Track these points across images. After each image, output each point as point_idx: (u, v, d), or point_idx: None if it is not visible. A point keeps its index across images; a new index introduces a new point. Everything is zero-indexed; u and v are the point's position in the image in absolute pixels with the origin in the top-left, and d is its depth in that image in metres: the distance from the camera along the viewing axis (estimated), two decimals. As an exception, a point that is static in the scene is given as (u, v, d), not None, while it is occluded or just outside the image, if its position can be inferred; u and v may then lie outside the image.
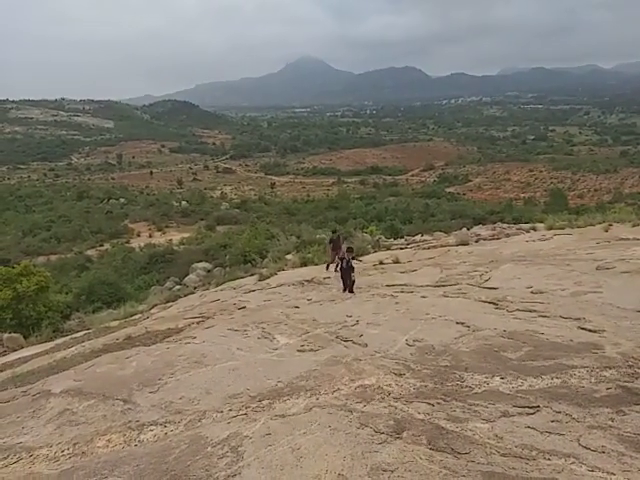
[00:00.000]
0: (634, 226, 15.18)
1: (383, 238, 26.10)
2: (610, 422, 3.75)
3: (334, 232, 15.29)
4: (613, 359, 5.08)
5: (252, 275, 16.02)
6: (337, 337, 7.24)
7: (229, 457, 3.69)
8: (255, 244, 24.21)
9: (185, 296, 15.84)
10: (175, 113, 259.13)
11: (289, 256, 19.70)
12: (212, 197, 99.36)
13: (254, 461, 3.57)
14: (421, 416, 4.09)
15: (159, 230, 65.06)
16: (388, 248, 19.70)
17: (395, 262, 14.55)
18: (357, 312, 8.49)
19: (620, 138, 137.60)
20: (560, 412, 3.97)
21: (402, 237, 28.94)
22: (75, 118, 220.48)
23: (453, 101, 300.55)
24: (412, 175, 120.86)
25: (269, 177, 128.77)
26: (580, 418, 3.84)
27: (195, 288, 18.50)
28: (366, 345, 6.55)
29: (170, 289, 20.52)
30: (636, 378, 4.58)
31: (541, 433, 3.64)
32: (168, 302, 15.25)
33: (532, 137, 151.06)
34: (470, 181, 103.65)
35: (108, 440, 4.55)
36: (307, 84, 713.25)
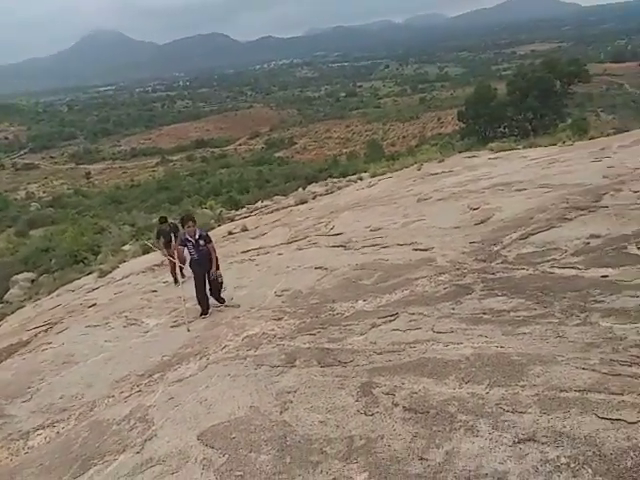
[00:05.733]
0: (440, 162, 17.62)
1: (224, 211, 26.10)
2: (452, 311, 4.72)
3: (163, 220, 10.31)
4: (444, 267, 6.21)
5: (90, 274, 14.92)
6: (208, 306, 7.41)
7: (139, 427, 3.79)
8: (83, 241, 22.22)
9: (13, 313, 14.18)
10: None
11: (127, 247, 18.69)
12: (16, 199, 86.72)
13: (166, 422, 3.74)
14: (307, 345, 4.63)
15: (-44, 247, 55.27)
16: (232, 219, 19.89)
17: (244, 230, 14.86)
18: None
19: (417, 87, 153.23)
20: (414, 313, 4.84)
21: (243, 207, 29.20)
22: None
23: (266, 65, 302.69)
24: (239, 144, 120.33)
25: (82, 167, 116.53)
26: (430, 313, 4.75)
27: (23, 302, 16.56)
28: (239, 306, 6.86)
29: (-11, 310, 17.97)
30: (464, 277, 5.71)
31: (404, 331, 4.44)
32: (-7, 323, 13.47)
33: (344, 94, 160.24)
34: (296, 143, 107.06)
35: (-10, 459, 4.22)
36: (106, 59, 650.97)
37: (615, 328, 3.61)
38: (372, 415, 3.17)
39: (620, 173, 8.61)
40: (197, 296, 6.81)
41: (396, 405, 3.19)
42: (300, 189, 26.26)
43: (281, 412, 3.47)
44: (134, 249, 16.59)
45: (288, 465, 2.89)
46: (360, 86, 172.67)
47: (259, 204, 24.21)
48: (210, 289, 6.85)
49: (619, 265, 4.93)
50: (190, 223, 6.68)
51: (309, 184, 29.81)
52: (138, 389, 4.63)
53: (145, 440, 3.56)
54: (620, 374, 2.86)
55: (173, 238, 9.03)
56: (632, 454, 2.21)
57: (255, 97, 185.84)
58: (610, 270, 4.88)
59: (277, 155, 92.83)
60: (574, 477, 2.19)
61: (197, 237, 6.66)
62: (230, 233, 14.67)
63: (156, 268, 12.17)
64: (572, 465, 2.25)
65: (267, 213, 18.65)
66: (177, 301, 8.26)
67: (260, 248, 10.99)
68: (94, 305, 9.95)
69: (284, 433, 3.21)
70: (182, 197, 48.93)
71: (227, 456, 3.10)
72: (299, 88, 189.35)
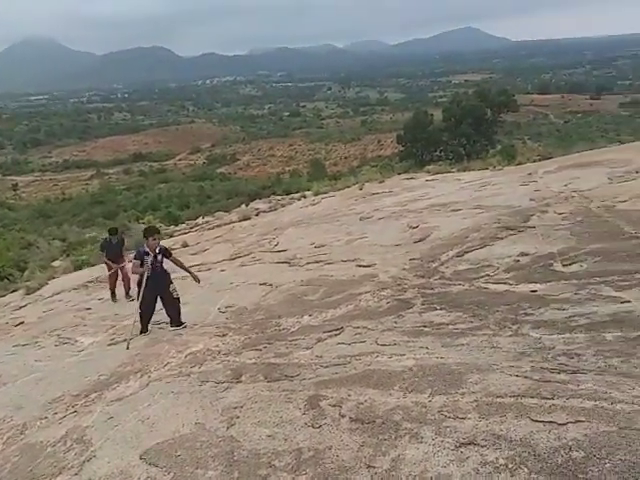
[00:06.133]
0: (380, 182, 18.19)
1: (163, 226, 25.52)
2: (394, 324, 4.87)
3: (114, 232, 9.54)
4: (386, 282, 6.41)
5: (15, 291, 14.05)
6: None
7: (76, 448, 3.61)
8: (9, 257, 20.87)
9: None
10: None
11: (57, 262, 17.78)
12: None
13: (105, 442, 3.58)
14: (253, 360, 4.61)
15: None
16: (171, 235, 19.53)
17: (184, 246, 14.59)
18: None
19: (359, 109, 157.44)
20: (359, 327, 4.96)
21: (183, 222, 28.62)
22: None
23: (208, 81, 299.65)
24: (180, 159, 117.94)
25: (9, 178, 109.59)
26: (373, 327, 4.88)
27: (-61, 322, 15.24)
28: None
29: None
30: (405, 292, 5.91)
31: (349, 345, 4.53)
32: None
33: (287, 114, 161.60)
34: (238, 160, 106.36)
35: None
36: (40, 67, 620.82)
37: (544, 338, 3.88)
38: (320, 427, 3.21)
39: (545, 196, 9.27)
40: (142, 314, 6.37)
41: (343, 416, 3.25)
42: (243, 205, 26.13)
43: (228, 428, 3.44)
44: (65, 265, 15.80)
45: (236, 480, 2.87)
46: (303, 106, 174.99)
47: (200, 220, 23.83)
48: (167, 310, 6.39)
49: (546, 281, 5.30)
50: (156, 235, 6.31)
51: (252, 201, 29.69)
52: (74, 410, 4.41)
53: (83, 461, 3.39)
54: (550, 380, 3.08)
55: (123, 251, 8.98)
56: (562, 452, 2.40)
57: (197, 112, 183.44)
58: (538, 285, 5.23)
59: (219, 171, 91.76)
60: (512, 477, 2.34)
61: (157, 251, 6.26)
62: (169, 249, 14.35)
63: (89, 285, 11.67)
64: (510, 465, 2.40)
65: (208, 229, 18.41)
66: (114, 318, 7.97)
67: (202, 264, 10.83)
68: (22, 323, 9.39)
69: (231, 448, 3.18)
70: (118, 212, 47.16)
71: (172, 474, 3.02)
72: (242, 105, 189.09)
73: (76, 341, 7.14)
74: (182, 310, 7.07)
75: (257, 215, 18.99)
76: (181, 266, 6.64)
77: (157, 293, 6.27)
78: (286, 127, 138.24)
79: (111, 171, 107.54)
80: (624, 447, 2.33)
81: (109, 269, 9.31)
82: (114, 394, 4.52)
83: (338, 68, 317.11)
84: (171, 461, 3.14)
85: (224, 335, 5.58)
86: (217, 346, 5.24)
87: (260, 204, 24.24)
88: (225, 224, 18.44)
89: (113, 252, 9.16)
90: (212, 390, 4.10)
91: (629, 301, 4.28)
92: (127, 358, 5.53)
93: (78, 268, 14.89)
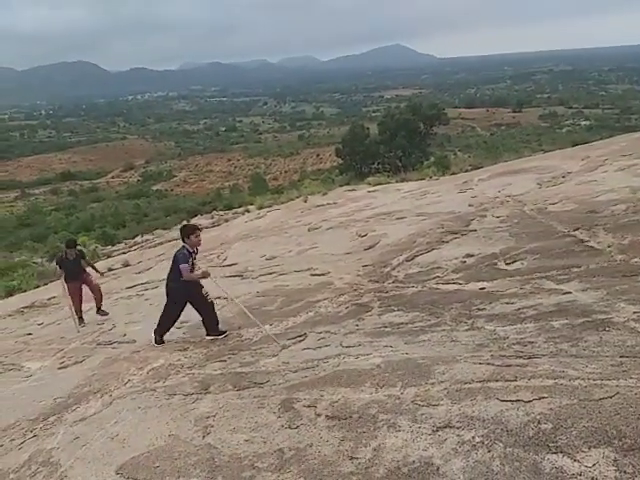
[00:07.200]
0: (323, 195, 18.50)
1: (99, 247, 24.66)
2: (356, 327, 5.03)
3: (72, 244, 8.42)
4: (342, 288, 6.58)
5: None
6: (99, 344, 6.95)
7: (44, 471, 3.46)
8: None
9: None
10: None
11: (-16, 290, 16.66)
12: None
13: (76, 462, 3.46)
14: (219, 371, 4.60)
15: None
16: (109, 256, 18.91)
17: (125, 265, 14.21)
18: (108, 318, 8.20)
19: (295, 124, 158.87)
20: (322, 332, 5.07)
21: (120, 242, 27.68)
22: None
23: (140, 97, 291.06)
24: (112, 177, 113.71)
25: None
26: (336, 331, 5.01)
27: None
28: (135, 341, 6.56)
29: None
30: (361, 296, 6.11)
31: (314, 349, 4.63)
32: None
33: (223, 128, 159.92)
34: (175, 176, 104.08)
35: None
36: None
37: (498, 330, 4.17)
38: (297, 427, 3.28)
39: (482, 202, 9.85)
40: (211, 321, 5.71)
41: (319, 415, 3.34)
42: (184, 222, 25.64)
43: (204, 436, 3.43)
44: (-6, 293, 14.86)
45: (221, 484, 2.88)
46: (240, 121, 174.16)
47: (139, 239, 23.21)
48: (203, 318, 5.81)
49: (493, 278, 5.68)
50: (197, 232, 5.63)
51: (192, 217, 29.18)
52: (33, 434, 4.20)
53: (53, 483, 3.26)
54: (510, 365, 3.34)
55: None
56: (532, 425, 2.63)
57: (129, 128, 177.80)
58: (486, 283, 5.59)
59: (155, 188, 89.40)
60: (489, 452, 2.53)
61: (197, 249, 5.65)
62: (110, 269, 13.87)
63: (25, 310, 11.07)
64: (486, 442, 2.60)
65: (149, 247, 17.95)
66: (60, 342, 7.59)
67: (147, 282, 10.55)
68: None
69: (211, 455, 3.18)
70: (47, 234, 44.91)
71: (154, 485, 2.98)
72: (176, 121, 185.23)
73: (22, 367, 6.76)
74: (135, 329, 6.92)
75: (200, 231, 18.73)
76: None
77: (188, 298, 5.70)
78: (223, 142, 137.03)
79: (37, 191, 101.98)
80: (586, 416, 2.59)
81: (69, 290, 7.97)
82: (75, 415, 4.35)
83: (272, 83, 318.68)
84: (150, 473, 3.09)
85: (185, 349, 5.52)
86: (179, 360, 5.17)
87: (202, 220, 23.93)
88: (167, 241, 18.04)
89: (70, 269, 7.92)
90: (181, 402, 4.06)
91: (570, 292, 4.69)
92: (83, 379, 5.32)
93: (9, 294, 14.07)
